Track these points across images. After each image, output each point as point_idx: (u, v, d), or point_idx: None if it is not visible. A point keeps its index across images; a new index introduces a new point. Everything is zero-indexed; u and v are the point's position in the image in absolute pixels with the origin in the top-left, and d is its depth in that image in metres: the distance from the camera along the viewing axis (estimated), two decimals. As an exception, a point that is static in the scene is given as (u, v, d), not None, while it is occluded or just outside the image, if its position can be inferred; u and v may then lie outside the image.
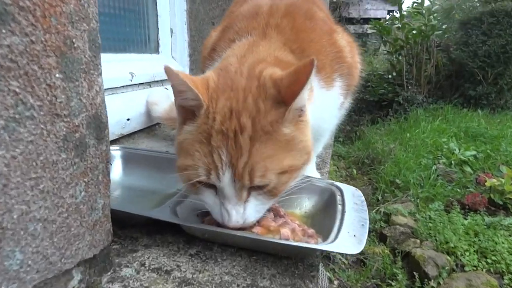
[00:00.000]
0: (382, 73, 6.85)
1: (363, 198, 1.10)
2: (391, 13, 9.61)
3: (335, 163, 4.02)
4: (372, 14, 10.87)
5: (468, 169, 3.53)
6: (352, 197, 1.10)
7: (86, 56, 0.71)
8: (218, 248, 0.98)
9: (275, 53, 1.07)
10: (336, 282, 2.28)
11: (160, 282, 0.85)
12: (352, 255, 2.35)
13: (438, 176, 3.40)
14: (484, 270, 2.23)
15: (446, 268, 2.21)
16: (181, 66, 2.43)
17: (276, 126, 0.85)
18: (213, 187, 0.90)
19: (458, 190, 3.16)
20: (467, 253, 2.33)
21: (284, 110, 0.85)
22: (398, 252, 2.44)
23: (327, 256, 2.39)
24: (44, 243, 0.65)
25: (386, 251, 2.52)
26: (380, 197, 3.27)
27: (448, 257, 2.30)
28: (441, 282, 2.15)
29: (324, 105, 1.15)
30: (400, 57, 6.48)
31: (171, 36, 2.45)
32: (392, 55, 6.65)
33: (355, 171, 3.88)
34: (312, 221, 1.09)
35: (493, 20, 5.57)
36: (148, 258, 0.93)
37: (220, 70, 0.97)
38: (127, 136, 1.86)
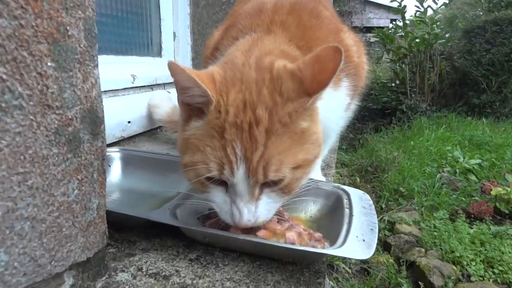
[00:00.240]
0: (385, 81, 6.83)
1: (371, 202, 1.06)
2: (394, 22, 9.62)
3: (338, 171, 3.97)
4: (375, 23, 10.90)
5: (473, 177, 3.48)
6: (360, 201, 1.05)
7: (81, 45, 0.67)
8: (220, 253, 0.94)
9: (281, 47, 1.03)
10: (339, 292, 2.23)
11: (158, 287, 0.80)
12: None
13: (442, 184, 3.36)
14: (491, 280, 2.18)
15: (452, 278, 2.16)
16: (184, 69, 2.40)
17: (295, 118, 0.81)
18: (223, 184, 0.85)
19: (463, 198, 3.12)
20: (473, 263, 2.28)
21: (305, 100, 0.81)
22: (403, 261, 2.39)
23: (330, 265, 2.34)
24: (32, 243, 0.61)
25: (391, 260, 2.47)
26: (384, 205, 3.22)
27: (454, 267, 2.26)
28: (447, 292, 2.10)
29: (330, 106, 1.11)
30: (403, 65, 6.47)
31: (174, 40, 2.43)
32: (395, 63, 6.63)
33: (358, 179, 3.83)
34: (318, 226, 1.04)
35: (497, 28, 5.57)
36: (146, 262, 0.88)
37: (225, 63, 0.93)
38: (128, 139, 1.82)
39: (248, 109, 0.80)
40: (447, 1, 6.40)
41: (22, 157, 0.57)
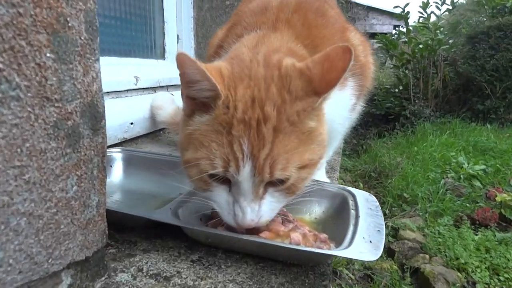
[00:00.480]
0: (388, 86, 6.83)
1: (377, 204, 1.03)
2: (397, 28, 9.62)
3: (341, 176, 3.94)
4: (378, 29, 10.90)
5: (477, 183, 3.45)
6: (366, 202, 1.03)
7: (82, 38, 0.65)
8: (222, 254, 0.91)
9: (288, 44, 1.02)
10: (343, 298, 2.19)
11: (158, 289, 0.78)
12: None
13: (446, 190, 3.33)
14: (497, 287, 2.14)
15: (457, 285, 2.13)
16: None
17: (303, 117, 0.80)
18: (226, 182, 0.83)
19: (468, 204, 3.09)
20: (479, 270, 2.26)
21: (313, 100, 0.80)
22: (407, 268, 2.37)
23: (333, 271, 2.31)
24: (28, 240, 0.58)
25: (395, 266, 2.44)
26: (387, 211, 3.18)
27: (459, 274, 2.23)
28: (452, 300, 2.07)
29: (336, 106, 1.09)
30: (406, 71, 6.46)
31: (178, 42, 2.43)
32: (398, 69, 6.63)
33: (361, 185, 3.80)
34: (323, 228, 1.02)
35: (501, 34, 5.56)
36: (147, 263, 0.86)
37: (231, 59, 0.91)
38: (130, 140, 1.80)
39: (256, 105, 0.78)
40: (450, 7, 6.40)
41: (19, 150, 0.55)
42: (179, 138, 0.93)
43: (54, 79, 0.60)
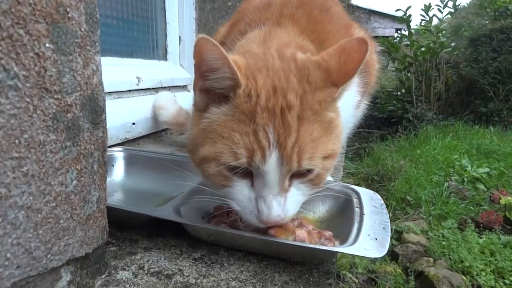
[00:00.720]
0: (391, 90, 6.80)
1: (382, 202, 1.02)
2: (399, 31, 9.60)
3: (344, 180, 3.92)
4: (380, 32, 10.88)
5: (481, 186, 3.43)
6: (370, 200, 1.01)
7: (82, 29, 0.64)
8: (225, 252, 0.90)
9: (296, 40, 1.01)
10: (346, 302, 2.17)
11: (159, 287, 0.76)
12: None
13: (450, 193, 3.32)
14: (502, 290, 2.12)
15: (462, 288, 2.10)
16: (189, 73, 2.38)
17: (324, 107, 0.78)
18: (248, 176, 0.79)
19: (472, 207, 3.07)
20: (483, 273, 2.24)
21: (332, 90, 0.78)
22: (411, 271, 2.35)
23: (336, 274, 2.28)
24: (27, 234, 0.57)
25: (398, 270, 2.42)
26: (391, 214, 3.16)
27: (464, 277, 2.22)
28: (457, 303, 2.05)
29: (341, 103, 1.08)
30: (409, 74, 6.44)
31: (180, 44, 2.42)
32: (400, 72, 6.60)
33: (364, 188, 3.78)
34: (327, 226, 1.00)
35: (503, 36, 5.55)
36: (148, 261, 0.85)
37: (243, 53, 0.89)
38: (132, 140, 1.79)
39: (278, 94, 0.76)
40: (452, 10, 6.39)
41: (17, 141, 0.54)
42: (190, 136, 0.89)
43: (54, 70, 0.59)
